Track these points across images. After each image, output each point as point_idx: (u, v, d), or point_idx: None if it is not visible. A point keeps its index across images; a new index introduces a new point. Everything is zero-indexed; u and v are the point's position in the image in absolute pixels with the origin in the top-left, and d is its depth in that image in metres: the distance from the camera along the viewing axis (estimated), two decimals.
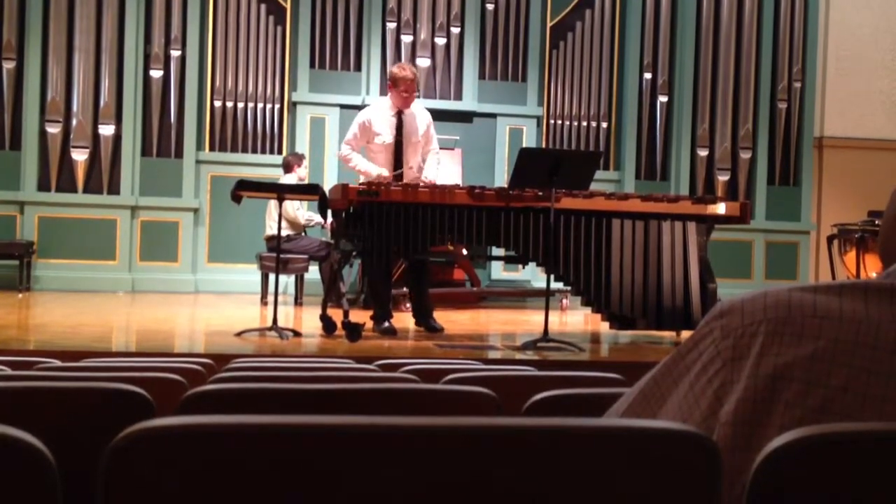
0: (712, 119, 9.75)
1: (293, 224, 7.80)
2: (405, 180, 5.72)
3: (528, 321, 6.96)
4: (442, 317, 6.11)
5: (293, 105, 9.09)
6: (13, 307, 6.98)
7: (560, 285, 5.87)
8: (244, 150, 9.07)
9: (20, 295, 7.94)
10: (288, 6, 9.12)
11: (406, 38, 9.12)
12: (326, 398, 1.56)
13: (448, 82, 9.24)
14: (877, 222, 6.26)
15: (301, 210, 7.92)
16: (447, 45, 9.20)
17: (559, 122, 9.60)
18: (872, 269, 6.24)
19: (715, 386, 1.02)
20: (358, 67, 9.14)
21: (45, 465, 0.89)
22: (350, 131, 6.02)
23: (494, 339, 6.07)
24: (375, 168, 5.85)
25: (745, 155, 9.77)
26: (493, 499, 0.88)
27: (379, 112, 5.97)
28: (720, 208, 5.70)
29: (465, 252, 7.52)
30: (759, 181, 9.79)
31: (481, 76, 9.36)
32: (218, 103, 9.00)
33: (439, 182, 5.90)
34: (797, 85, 9.88)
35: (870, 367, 0.96)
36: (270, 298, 6.60)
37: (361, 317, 5.66)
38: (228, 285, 8.88)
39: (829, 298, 1.01)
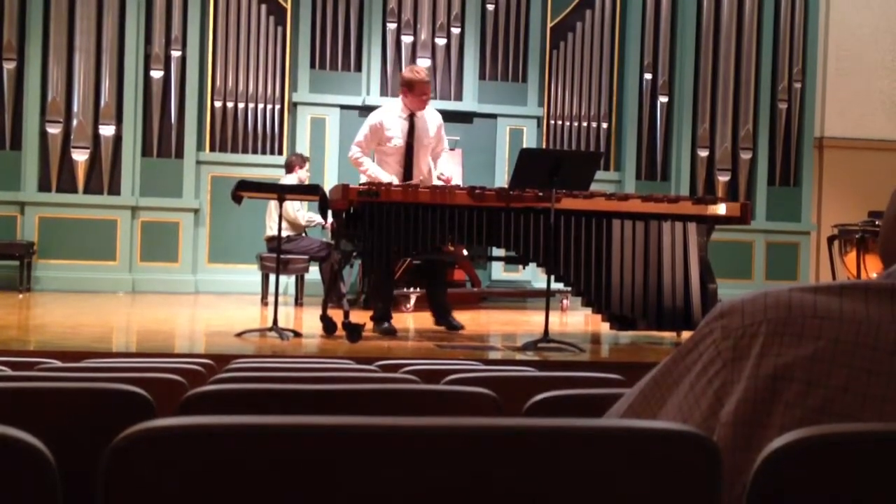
0: (712, 119, 9.75)
1: (293, 225, 7.79)
2: None
3: (529, 322, 6.96)
4: None
5: (293, 105, 9.09)
6: (13, 307, 6.99)
7: (560, 286, 5.87)
8: (244, 151, 9.07)
9: (20, 295, 7.94)
10: (288, 6, 9.12)
11: (406, 39, 9.12)
12: (327, 399, 1.56)
13: (448, 83, 9.24)
14: (877, 223, 6.26)
15: (301, 211, 7.91)
16: (447, 46, 9.20)
17: (559, 122, 9.60)
18: (873, 269, 6.23)
19: (715, 386, 1.02)
20: (358, 68, 9.14)
21: (46, 466, 0.89)
22: (361, 133, 5.96)
23: (495, 340, 6.06)
24: (386, 176, 5.77)
25: (746, 155, 9.77)
26: (494, 499, 0.88)
27: (390, 114, 5.94)
28: (720, 209, 5.69)
29: (465, 252, 7.51)
30: (759, 182, 9.79)
31: (481, 76, 9.36)
32: (218, 104, 9.00)
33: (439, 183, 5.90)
34: (797, 85, 9.88)
35: (870, 368, 0.96)
36: (271, 299, 6.59)
37: (362, 317, 5.65)
38: (229, 286, 8.88)
39: (829, 299, 1.01)
